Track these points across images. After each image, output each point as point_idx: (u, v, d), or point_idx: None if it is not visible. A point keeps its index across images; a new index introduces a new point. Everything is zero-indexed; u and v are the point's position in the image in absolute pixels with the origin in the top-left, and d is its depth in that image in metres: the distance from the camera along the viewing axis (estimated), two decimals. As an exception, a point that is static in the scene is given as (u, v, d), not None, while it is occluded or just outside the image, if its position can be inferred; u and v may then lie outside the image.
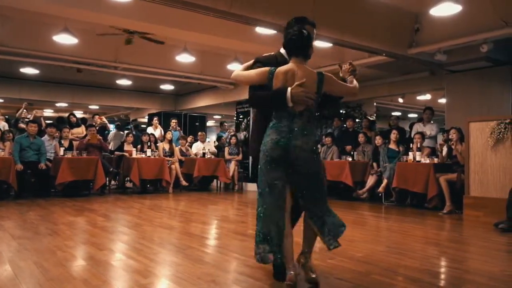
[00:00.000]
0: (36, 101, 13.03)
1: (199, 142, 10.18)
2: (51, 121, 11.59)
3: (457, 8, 5.54)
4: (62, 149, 7.58)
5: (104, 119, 10.57)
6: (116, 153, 8.87)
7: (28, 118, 8.71)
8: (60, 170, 7.05)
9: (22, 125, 8.36)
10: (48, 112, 18.36)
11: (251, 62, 2.81)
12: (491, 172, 5.60)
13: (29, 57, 8.42)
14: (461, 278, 2.91)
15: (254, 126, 2.91)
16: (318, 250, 3.46)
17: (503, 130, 5.46)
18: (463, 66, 7.69)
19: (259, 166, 2.63)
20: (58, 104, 15.33)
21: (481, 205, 5.60)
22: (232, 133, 10.58)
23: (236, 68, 9.74)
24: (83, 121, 10.46)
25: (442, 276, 3.05)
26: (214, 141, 11.61)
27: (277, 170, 2.51)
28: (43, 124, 9.02)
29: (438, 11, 5.71)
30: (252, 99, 2.68)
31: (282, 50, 2.79)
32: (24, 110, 8.95)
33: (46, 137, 7.89)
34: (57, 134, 8.08)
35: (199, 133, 10.49)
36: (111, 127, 11.67)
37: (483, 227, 5.00)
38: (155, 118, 10.75)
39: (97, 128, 9.89)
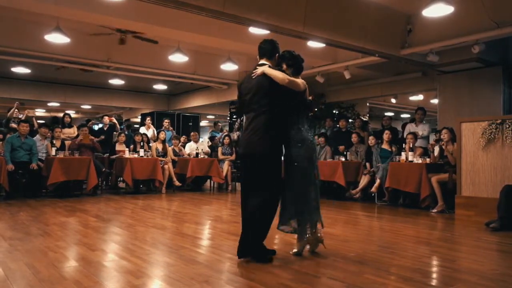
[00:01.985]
0: (27, 101, 12.92)
1: (192, 142, 10.15)
2: (44, 121, 11.50)
3: (449, 10, 5.58)
4: (54, 149, 7.52)
5: (114, 119, 10.49)
6: (112, 157, 8.75)
7: (19, 118, 8.63)
8: (52, 170, 6.99)
9: (14, 125, 8.28)
10: (40, 112, 18.22)
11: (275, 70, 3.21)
12: (483, 172, 5.65)
13: (20, 56, 8.35)
14: (452, 277, 2.93)
15: (267, 125, 3.13)
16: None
17: (494, 130, 5.51)
18: (455, 67, 7.76)
19: (300, 162, 3.24)
20: (50, 104, 15.22)
21: (472, 205, 5.65)
22: (226, 133, 10.57)
23: (229, 68, 9.68)
24: (87, 121, 10.43)
25: (434, 275, 3.07)
26: (208, 141, 11.59)
27: (311, 164, 3.26)
28: (35, 124, 8.95)
29: (431, 12, 5.75)
30: (304, 105, 3.25)
31: (264, 63, 3.29)
32: (16, 110, 8.87)
33: (38, 137, 7.83)
34: (49, 134, 8.01)
35: (192, 133, 10.44)
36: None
37: (474, 227, 5.04)
38: (148, 118, 10.70)
39: (106, 128, 9.84)
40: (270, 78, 3.12)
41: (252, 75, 3.22)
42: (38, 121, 9.80)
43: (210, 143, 11.16)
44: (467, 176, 5.81)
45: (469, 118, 6.06)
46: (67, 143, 8.12)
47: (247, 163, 3.25)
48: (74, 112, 17.56)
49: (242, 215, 3.27)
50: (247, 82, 3.29)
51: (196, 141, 10.16)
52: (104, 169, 8.18)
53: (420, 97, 12.05)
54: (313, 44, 7.27)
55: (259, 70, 3.18)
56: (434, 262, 3.44)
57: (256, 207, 3.14)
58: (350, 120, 10.21)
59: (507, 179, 5.29)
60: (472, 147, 5.78)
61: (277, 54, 3.32)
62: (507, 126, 5.40)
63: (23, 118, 8.52)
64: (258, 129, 3.13)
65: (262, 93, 3.15)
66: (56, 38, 7.07)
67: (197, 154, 9.50)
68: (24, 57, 8.46)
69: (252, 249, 3.15)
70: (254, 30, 6.60)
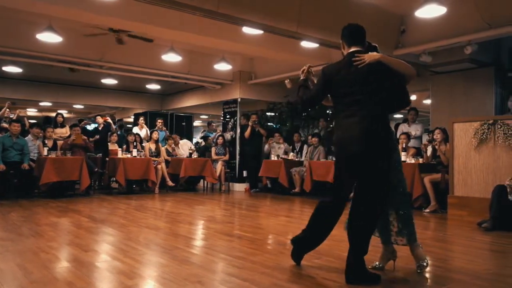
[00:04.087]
0: (19, 100, 12.80)
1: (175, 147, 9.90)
2: (35, 121, 11.40)
3: (442, 10, 5.61)
4: (45, 149, 7.46)
5: (109, 119, 10.38)
6: (107, 159, 8.68)
7: (10, 118, 8.55)
8: (44, 171, 6.93)
9: (5, 125, 8.20)
10: (31, 112, 18.07)
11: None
12: (475, 172, 5.69)
13: (12, 55, 8.27)
14: (445, 277, 2.94)
15: (380, 120, 2.76)
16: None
17: (486, 130, 5.55)
18: (448, 67, 7.80)
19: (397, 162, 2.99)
20: (42, 104, 15.09)
21: (465, 205, 5.69)
22: (219, 133, 10.55)
23: (223, 68, 9.59)
24: (79, 121, 10.33)
25: (427, 275, 3.08)
26: (196, 142, 11.52)
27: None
28: (27, 124, 8.87)
29: (424, 13, 5.78)
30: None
31: (360, 49, 2.94)
32: (7, 109, 8.78)
33: (29, 137, 7.77)
34: (40, 134, 7.95)
35: (169, 141, 9.87)
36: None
37: (467, 226, 5.07)
38: (141, 118, 10.65)
39: (101, 128, 9.77)
40: (385, 66, 2.76)
41: (357, 63, 2.77)
42: (30, 121, 9.71)
43: (203, 143, 11.13)
44: (459, 176, 5.85)
45: (462, 119, 6.09)
46: (59, 143, 8.06)
47: (357, 163, 2.77)
48: (66, 112, 17.42)
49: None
50: (345, 72, 2.83)
51: (176, 144, 9.97)
52: (96, 169, 8.12)
53: (413, 97, 12.08)
54: (307, 44, 7.27)
55: (369, 56, 2.77)
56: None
57: (364, 217, 2.76)
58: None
59: (499, 179, 5.33)
60: (464, 147, 5.82)
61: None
62: (499, 126, 5.44)
63: (14, 118, 8.45)
64: (371, 124, 2.71)
65: (375, 83, 2.75)
66: (49, 37, 7.01)
67: (190, 154, 9.48)
68: (16, 56, 8.38)
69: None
70: (248, 30, 6.58)
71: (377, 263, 3.03)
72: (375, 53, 2.83)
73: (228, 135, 10.65)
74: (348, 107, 2.80)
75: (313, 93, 3.03)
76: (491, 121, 5.57)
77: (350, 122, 2.76)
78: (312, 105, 3.16)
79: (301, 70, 3.18)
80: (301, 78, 3.15)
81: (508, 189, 4.86)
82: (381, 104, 2.77)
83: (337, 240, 4.06)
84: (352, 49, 2.89)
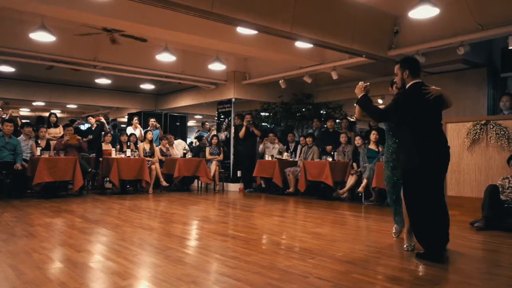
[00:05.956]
0: (12, 100, 12.71)
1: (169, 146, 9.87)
2: (27, 121, 11.32)
3: (435, 12, 5.64)
4: (39, 149, 7.41)
5: (102, 119, 10.32)
6: (100, 159, 8.65)
7: (3, 118, 8.48)
8: (37, 171, 6.89)
9: (-3, 124, 8.14)
10: (24, 111, 17.95)
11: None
12: (467, 172, 5.73)
13: (5, 54, 8.21)
14: (438, 276, 2.96)
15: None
16: (299, 250, 3.48)
17: (478, 131, 5.60)
18: (441, 68, 7.84)
19: None
20: (35, 103, 15.00)
21: (457, 204, 5.72)
22: (213, 133, 10.54)
23: (217, 68, 9.59)
24: (71, 121, 10.26)
25: (420, 274, 3.10)
26: (191, 142, 11.47)
27: None
28: (19, 124, 8.81)
29: (417, 14, 5.80)
30: None
31: (421, 81, 3.72)
32: (0, 109, 8.71)
33: (22, 137, 7.71)
34: (32, 133, 7.89)
35: (163, 141, 9.87)
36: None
37: (459, 226, 5.10)
38: (135, 118, 10.61)
39: (95, 128, 9.73)
40: (442, 98, 3.58)
41: (428, 96, 3.48)
42: (22, 121, 9.64)
43: (198, 143, 11.12)
44: (452, 176, 5.89)
45: (455, 119, 6.13)
46: (52, 143, 8.01)
47: (439, 169, 3.53)
48: (59, 111, 17.32)
49: (434, 212, 3.54)
50: (416, 100, 3.50)
51: (171, 144, 9.95)
52: (90, 169, 8.09)
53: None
54: (301, 44, 7.29)
55: (436, 90, 3.52)
56: (421, 262, 3.47)
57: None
58: (337, 121, 10.27)
59: (491, 179, 5.37)
60: (457, 147, 5.85)
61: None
62: (491, 126, 5.48)
63: (7, 118, 8.39)
64: (446, 141, 3.57)
65: (436, 110, 3.56)
66: (42, 37, 6.96)
67: (184, 154, 9.46)
68: (9, 56, 8.32)
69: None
70: (242, 30, 6.58)
71: (406, 245, 3.70)
72: (435, 87, 3.56)
73: (222, 135, 10.64)
74: (419, 130, 3.45)
75: (389, 110, 3.65)
76: (483, 122, 5.61)
77: (419, 142, 3.42)
78: (386, 119, 3.87)
79: (363, 86, 3.79)
80: (362, 94, 3.77)
81: (500, 189, 4.91)
82: (440, 126, 3.57)
83: (330, 240, 4.08)
84: (416, 80, 3.58)
